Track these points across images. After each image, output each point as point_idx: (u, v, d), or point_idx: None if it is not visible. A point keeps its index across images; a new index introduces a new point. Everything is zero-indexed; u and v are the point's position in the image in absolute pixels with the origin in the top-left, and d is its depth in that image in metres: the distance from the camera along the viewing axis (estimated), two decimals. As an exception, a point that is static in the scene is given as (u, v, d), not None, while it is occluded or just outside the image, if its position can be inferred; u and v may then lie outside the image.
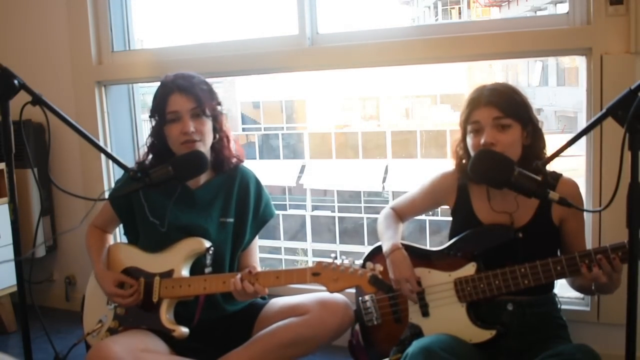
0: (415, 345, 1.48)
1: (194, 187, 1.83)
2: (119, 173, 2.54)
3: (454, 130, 1.73)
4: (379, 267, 1.54)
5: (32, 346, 1.53)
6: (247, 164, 1.95)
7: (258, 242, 1.96)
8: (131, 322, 1.78)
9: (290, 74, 2.95)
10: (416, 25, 4.87)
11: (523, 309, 1.60)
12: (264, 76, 4.05)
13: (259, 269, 1.80)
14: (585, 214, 1.76)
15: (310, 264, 1.61)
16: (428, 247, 1.74)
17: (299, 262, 9.89)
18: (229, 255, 1.85)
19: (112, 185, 2.59)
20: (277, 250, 9.75)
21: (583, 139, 1.89)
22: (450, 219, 1.77)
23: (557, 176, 1.63)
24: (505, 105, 1.57)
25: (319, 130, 10.24)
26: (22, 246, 1.48)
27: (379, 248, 1.77)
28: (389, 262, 1.68)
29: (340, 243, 9.55)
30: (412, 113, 9.78)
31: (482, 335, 1.59)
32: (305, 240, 9.85)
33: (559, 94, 7.50)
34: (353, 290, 1.77)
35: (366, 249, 1.90)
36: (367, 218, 9.46)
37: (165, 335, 1.73)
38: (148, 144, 1.83)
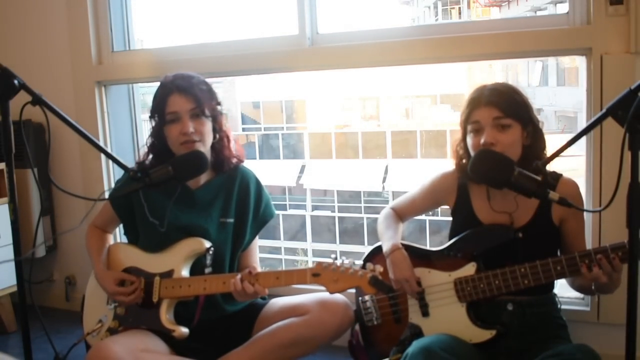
0: (415, 345, 1.48)
1: (194, 187, 1.83)
2: (119, 173, 2.54)
3: (454, 130, 1.73)
4: (379, 268, 1.54)
5: (32, 346, 1.53)
6: (247, 164, 1.94)
7: (258, 242, 1.96)
8: (131, 322, 1.78)
9: (290, 74, 2.95)
10: (416, 25, 4.89)
11: (523, 309, 1.60)
12: (264, 76, 4.05)
13: (259, 269, 1.81)
14: (585, 214, 1.76)
15: (310, 264, 1.61)
16: (428, 247, 1.74)
17: (299, 262, 9.88)
18: (229, 256, 1.84)
19: (112, 185, 2.59)
20: (277, 250, 9.75)
21: (583, 139, 1.89)
22: (450, 219, 1.77)
23: (557, 176, 1.63)
24: (506, 105, 1.57)
25: (319, 130, 10.25)
26: (22, 246, 1.48)
27: (379, 248, 1.77)
28: (389, 262, 1.68)
29: (340, 243, 9.55)
30: (412, 113, 9.79)
31: (482, 335, 1.59)
32: (305, 241, 9.86)
33: (559, 94, 7.50)
34: (353, 290, 1.76)
35: (366, 249, 1.90)
36: (367, 218, 9.46)
37: (165, 335, 1.73)
38: (148, 144, 1.83)
